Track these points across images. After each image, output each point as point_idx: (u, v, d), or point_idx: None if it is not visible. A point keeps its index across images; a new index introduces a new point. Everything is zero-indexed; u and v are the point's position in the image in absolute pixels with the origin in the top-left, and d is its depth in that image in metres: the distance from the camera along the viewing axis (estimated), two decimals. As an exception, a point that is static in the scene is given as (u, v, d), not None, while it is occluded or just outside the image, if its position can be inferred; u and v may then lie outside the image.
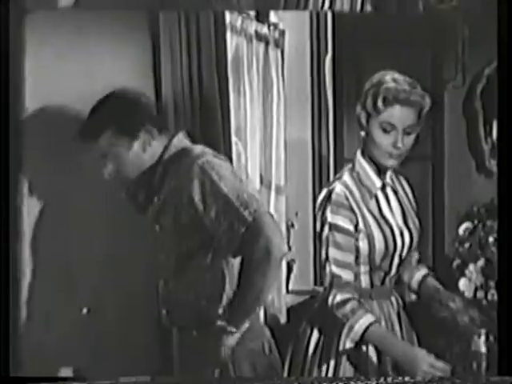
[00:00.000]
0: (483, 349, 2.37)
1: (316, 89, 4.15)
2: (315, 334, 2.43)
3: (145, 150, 2.27)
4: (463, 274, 2.30)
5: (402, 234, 2.44)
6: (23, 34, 2.37)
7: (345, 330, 2.30)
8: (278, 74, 3.67)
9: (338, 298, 2.30)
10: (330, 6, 2.75)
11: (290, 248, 3.88)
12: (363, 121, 2.38)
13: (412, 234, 2.48)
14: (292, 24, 3.97)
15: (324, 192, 2.42)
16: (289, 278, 3.90)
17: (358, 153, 2.44)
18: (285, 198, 3.74)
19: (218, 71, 2.86)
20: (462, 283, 2.30)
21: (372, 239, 2.37)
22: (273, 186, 3.67)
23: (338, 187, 2.38)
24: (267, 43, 3.58)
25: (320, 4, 2.75)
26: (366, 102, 2.36)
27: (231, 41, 3.15)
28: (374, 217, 2.40)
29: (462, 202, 3.74)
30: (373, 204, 2.41)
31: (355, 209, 2.37)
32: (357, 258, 2.37)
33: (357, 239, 2.36)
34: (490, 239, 2.33)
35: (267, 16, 3.66)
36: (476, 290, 2.27)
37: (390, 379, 2.28)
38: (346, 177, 2.42)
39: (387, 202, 2.46)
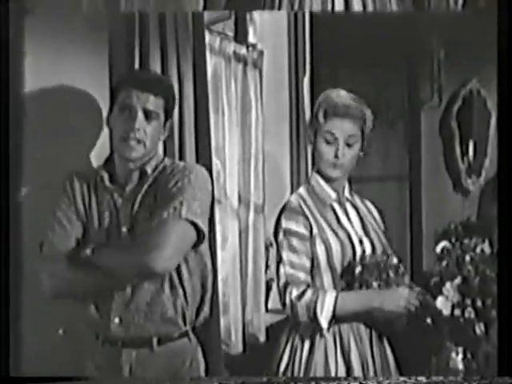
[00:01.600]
0: (461, 366, 2.38)
1: (294, 109, 4.17)
2: (287, 351, 2.44)
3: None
4: (440, 292, 2.32)
5: (361, 242, 2.48)
6: (23, 34, 2.37)
7: (318, 309, 2.31)
8: (257, 95, 3.70)
9: (294, 292, 2.34)
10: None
11: (268, 267, 3.89)
12: (311, 136, 2.52)
13: (374, 244, 2.52)
14: (270, 45, 4.01)
15: (279, 207, 2.50)
16: (268, 296, 3.90)
17: (314, 169, 2.57)
18: (263, 217, 3.75)
19: (196, 91, 2.87)
20: (440, 301, 2.31)
21: (327, 242, 2.41)
22: (251, 205, 3.68)
23: (293, 197, 2.50)
24: (245, 64, 3.61)
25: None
26: (312, 119, 2.51)
27: (210, 61, 3.17)
28: (329, 224, 2.46)
29: (439, 220, 3.78)
30: (329, 213, 2.49)
31: (309, 216, 2.43)
32: (317, 264, 2.40)
33: (314, 244, 2.40)
34: (467, 257, 2.35)
35: (245, 37, 3.69)
36: (453, 307, 2.28)
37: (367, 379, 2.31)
38: (301, 189, 2.54)
39: (345, 214, 2.53)
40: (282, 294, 2.37)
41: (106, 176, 2.33)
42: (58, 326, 2.48)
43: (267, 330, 3.70)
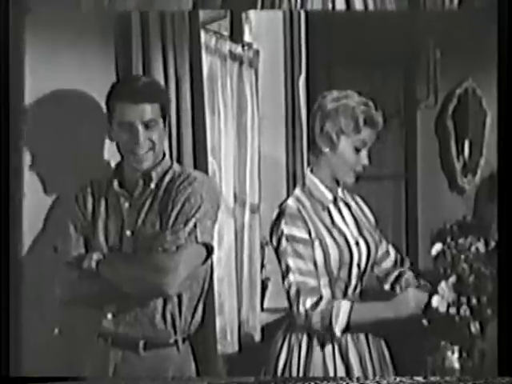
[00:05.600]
0: (457, 365, 2.39)
1: (290, 108, 4.17)
2: (284, 351, 2.44)
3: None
4: (435, 291, 2.32)
5: (357, 244, 2.48)
6: (23, 33, 2.37)
7: (333, 319, 2.31)
8: (253, 94, 3.69)
9: (309, 302, 2.33)
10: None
11: (263, 266, 3.89)
12: (334, 138, 2.44)
13: (369, 244, 2.53)
14: (266, 44, 4.00)
15: (276, 209, 2.48)
16: (263, 295, 3.90)
17: (308, 170, 2.54)
18: (259, 217, 3.75)
19: (193, 90, 2.87)
20: (435, 300, 2.32)
21: (326, 248, 2.40)
22: (247, 205, 3.68)
23: (290, 200, 2.46)
24: (241, 63, 3.61)
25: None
26: (340, 121, 2.42)
27: (206, 60, 3.17)
28: (327, 227, 2.45)
29: (435, 219, 3.77)
30: (325, 215, 2.47)
31: (307, 219, 2.41)
32: (315, 269, 2.39)
33: (313, 249, 2.39)
34: (462, 256, 2.35)
35: (241, 36, 3.69)
36: (448, 306, 2.29)
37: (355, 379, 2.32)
38: (298, 191, 2.51)
39: (340, 215, 2.52)
40: (294, 302, 2.35)
41: (115, 181, 2.36)
42: (54, 326, 2.48)
43: (263, 329, 3.70)
